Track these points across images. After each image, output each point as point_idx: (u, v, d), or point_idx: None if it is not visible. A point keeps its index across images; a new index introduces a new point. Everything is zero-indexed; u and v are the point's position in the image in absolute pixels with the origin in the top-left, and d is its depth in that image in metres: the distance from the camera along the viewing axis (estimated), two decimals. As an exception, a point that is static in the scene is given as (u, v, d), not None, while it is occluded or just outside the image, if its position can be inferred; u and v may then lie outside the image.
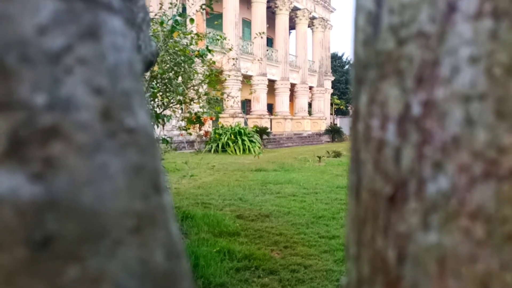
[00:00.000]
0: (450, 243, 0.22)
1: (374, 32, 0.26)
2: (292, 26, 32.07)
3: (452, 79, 0.22)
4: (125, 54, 0.23)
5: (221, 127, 19.43)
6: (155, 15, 5.55)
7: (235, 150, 18.41)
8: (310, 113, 33.10)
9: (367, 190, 0.25)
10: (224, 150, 18.34)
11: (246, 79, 16.32)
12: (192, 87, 6.16)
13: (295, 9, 30.23)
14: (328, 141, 30.89)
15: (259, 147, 18.91)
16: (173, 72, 5.61)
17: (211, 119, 6.55)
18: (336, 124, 35.65)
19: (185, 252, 0.26)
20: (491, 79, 0.21)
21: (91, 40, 0.21)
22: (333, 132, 31.65)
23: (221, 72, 8.38)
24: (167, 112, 5.96)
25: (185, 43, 5.81)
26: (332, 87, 37.99)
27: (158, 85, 5.56)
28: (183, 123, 6.33)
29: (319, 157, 14.25)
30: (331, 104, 38.29)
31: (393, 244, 0.23)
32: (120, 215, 0.20)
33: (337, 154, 16.28)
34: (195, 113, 6.02)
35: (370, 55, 0.26)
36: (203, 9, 6.21)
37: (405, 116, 0.24)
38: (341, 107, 40.40)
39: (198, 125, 6.29)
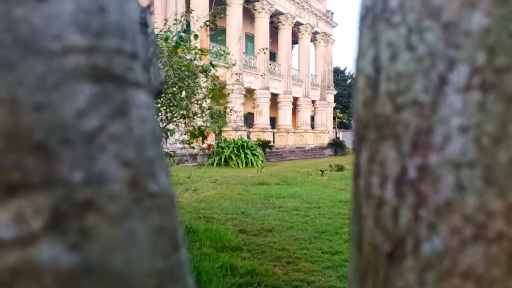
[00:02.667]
0: (444, 300, 0.23)
1: (373, 96, 0.28)
2: (295, 41, 32.36)
3: (445, 146, 0.25)
4: (149, 124, 0.26)
5: (224, 140, 19.47)
6: (160, 31, 5.63)
7: (237, 163, 18.42)
8: (312, 126, 33.15)
9: (368, 244, 0.27)
10: (226, 164, 18.35)
11: (249, 94, 16.42)
12: (195, 102, 6.20)
13: (297, 24, 30.54)
14: (331, 155, 30.84)
15: (262, 161, 18.91)
16: (177, 87, 5.66)
17: (214, 132, 6.58)
18: (339, 137, 35.66)
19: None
20: (480, 148, 0.24)
21: (121, 117, 0.24)
22: (336, 146, 31.64)
23: (224, 86, 8.45)
24: (171, 126, 5.99)
25: (189, 59, 5.88)
26: (334, 101, 38.10)
27: (162, 99, 5.61)
28: (186, 137, 6.36)
29: (322, 171, 14.23)
30: (334, 118, 38.35)
31: (393, 297, 0.25)
32: (144, 275, 0.22)
33: (340, 168, 16.24)
34: (198, 127, 6.05)
35: (370, 116, 0.28)
36: (207, 25, 6.29)
37: (402, 178, 0.26)
38: (344, 120, 40.44)
39: (201, 138, 6.31)
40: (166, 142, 6.14)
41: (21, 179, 0.20)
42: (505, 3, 0.26)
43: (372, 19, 0.31)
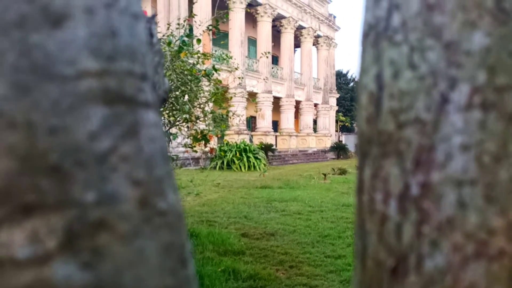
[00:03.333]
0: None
1: (376, 113, 0.29)
2: (297, 44, 32.41)
3: (446, 164, 0.25)
4: (158, 143, 0.26)
5: (226, 144, 19.47)
6: (163, 35, 5.65)
7: (240, 167, 18.43)
8: (315, 130, 33.14)
9: (372, 259, 0.28)
10: (229, 167, 18.36)
11: (252, 98, 16.44)
12: (198, 106, 6.21)
13: (300, 28, 30.60)
14: (334, 158, 30.80)
15: (264, 164, 18.92)
16: (179, 91, 5.67)
17: (216, 136, 6.58)
18: (342, 141, 35.63)
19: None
20: (481, 166, 0.24)
21: (132, 137, 0.24)
22: (339, 149, 31.61)
23: (227, 90, 8.47)
24: (173, 130, 6.00)
25: (192, 63, 5.89)
26: (337, 104, 38.09)
27: (164, 103, 5.59)
28: (188, 141, 6.37)
29: (325, 174, 14.21)
30: (336, 121, 38.32)
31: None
32: (154, 292, 0.23)
33: (343, 172, 16.22)
34: (201, 131, 6.06)
35: (373, 133, 0.29)
36: (210, 29, 6.31)
37: (405, 194, 0.26)
38: (346, 124, 40.41)
39: (203, 142, 6.31)
40: (169, 146, 6.16)
41: (36, 200, 0.21)
42: (504, 23, 0.27)
43: (374, 37, 0.31)
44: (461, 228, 0.24)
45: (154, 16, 0.87)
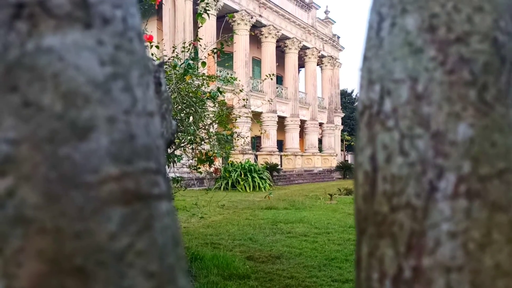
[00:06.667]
0: None
1: (371, 193, 0.31)
2: (301, 64, 32.75)
3: (436, 250, 0.27)
4: (170, 231, 0.29)
5: (231, 164, 19.49)
6: (169, 58, 5.75)
7: (245, 187, 18.39)
8: (320, 149, 33.10)
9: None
10: (234, 187, 18.32)
11: (256, 119, 16.51)
12: (203, 127, 6.26)
13: (304, 48, 30.97)
14: (339, 178, 30.65)
15: (270, 185, 18.86)
16: (184, 113, 5.73)
17: (221, 157, 6.59)
18: (347, 160, 35.51)
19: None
20: (467, 253, 0.26)
21: (147, 231, 0.27)
22: (344, 169, 31.47)
23: (231, 111, 8.53)
24: (178, 152, 6.03)
25: (197, 85, 5.96)
26: (342, 124, 38.16)
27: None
28: (193, 162, 6.38)
29: (331, 195, 14.13)
30: (342, 141, 38.31)
31: None
32: None
33: (349, 192, 16.11)
34: (206, 153, 6.08)
35: (369, 212, 0.31)
36: (215, 52, 6.42)
37: (399, 277, 0.28)
38: (352, 143, 40.34)
39: (208, 163, 6.31)
40: (174, 167, 6.18)
41: (61, 299, 0.23)
42: (486, 115, 0.29)
43: (368, 117, 0.34)
44: (450, 313, 0.26)
45: (162, 64, 0.91)
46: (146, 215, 0.27)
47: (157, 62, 0.87)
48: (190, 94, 5.47)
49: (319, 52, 32.25)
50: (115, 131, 0.27)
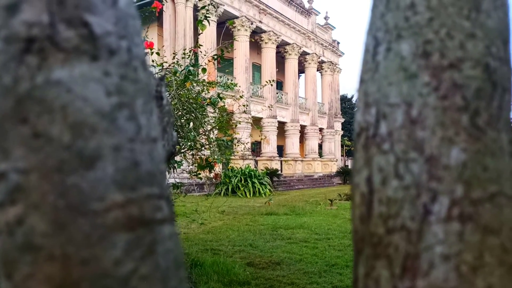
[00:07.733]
0: None
1: (368, 214, 0.32)
2: (301, 70, 32.85)
3: (430, 273, 0.28)
4: (172, 254, 0.30)
5: (231, 169, 19.47)
6: (169, 65, 5.77)
7: (245, 192, 18.37)
8: (320, 154, 33.11)
9: None
10: (234, 193, 18.31)
11: (256, 124, 16.53)
12: (203, 133, 6.26)
13: (304, 54, 31.09)
14: (340, 183, 30.63)
15: (270, 190, 18.85)
16: (184, 119, 5.74)
17: (221, 162, 6.59)
18: (348, 165, 35.50)
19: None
20: (460, 275, 0.27)
21: (150, 256, 0.28)
22: (345, 174, 31.45)
23: (231, 117, 8.54)
24: (177, 157, 6.04)
25: (197, 91, 5.98)
26: (342, 129, 38.19)
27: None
28: (193, 167, 6.38)
29: (331, 200, 14.12)
30: (342, 146, 38.33)
31: None
32: None
33: (349, 197, 16.10)
34: (206, 158, 6.08)
35: (366, 233, 0.32)
36: (215, 59, 6.44)
37: (394, 298, 0.29)
38: (352, 148, 40.33)
39: (208, 168, 6.30)
40: (174, 172, 6.19)
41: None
42: (478, 139, 0.30)
43: (365, 139, 0.35)
44: (444, 335, 0.27)
45: (163, 77, 0.92)
46: (150, 239, 0.28)
47: (158, 76, 0.88)
48: (191, 100, 5.49)
49: (319, 58, 32.36)
50: (120, 159, 0.28)
